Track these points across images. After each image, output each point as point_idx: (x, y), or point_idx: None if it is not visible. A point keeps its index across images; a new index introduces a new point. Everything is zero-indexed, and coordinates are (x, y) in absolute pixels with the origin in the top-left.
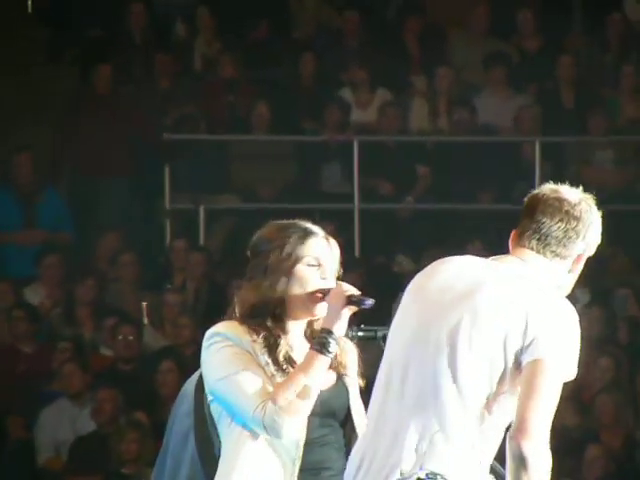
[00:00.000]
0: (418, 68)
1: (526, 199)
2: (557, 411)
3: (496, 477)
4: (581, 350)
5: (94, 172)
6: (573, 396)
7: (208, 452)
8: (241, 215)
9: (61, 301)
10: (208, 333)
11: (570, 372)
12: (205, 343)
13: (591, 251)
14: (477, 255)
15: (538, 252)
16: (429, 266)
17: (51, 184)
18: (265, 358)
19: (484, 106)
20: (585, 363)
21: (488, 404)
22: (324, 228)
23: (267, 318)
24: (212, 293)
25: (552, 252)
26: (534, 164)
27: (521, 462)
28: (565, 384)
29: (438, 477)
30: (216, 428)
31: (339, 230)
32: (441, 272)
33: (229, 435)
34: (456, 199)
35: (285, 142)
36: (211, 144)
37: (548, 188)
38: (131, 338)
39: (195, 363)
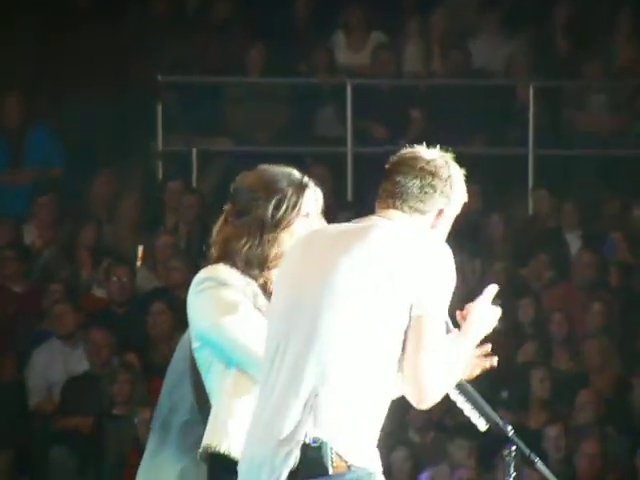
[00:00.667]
0: (412, 11)
1: (386, 165)
2: (549, 356)
3: (464, 394)
4: (573, 294)
5: (84, 109)
6: (565, 341)
7: (203, 397)
8: (234, 158)
9: (53, 241)
10: (199, 278)
11: (443, 317)
12: (196, 288)
13: (456, 207)
14: (470, 197)
15: (397, 208)
16: (302, 237)
17: (40, 122)
18: (260, 302)
19: (478, 49)
20: (577, 308)
21: (369, 363)
22: (317, 171)
23: (262, 269)
24: (204, 236)
25: (410, 207)
26: (528, 108)
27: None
28: (560, 328)
29: (323, 444)
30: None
31: (332, 173)
32: (312, 240)
33: (222, 381)
34: (449, 143)
35: (279, 85)
36: (205, 86)
37: (406, 150)
38: (125, 280)
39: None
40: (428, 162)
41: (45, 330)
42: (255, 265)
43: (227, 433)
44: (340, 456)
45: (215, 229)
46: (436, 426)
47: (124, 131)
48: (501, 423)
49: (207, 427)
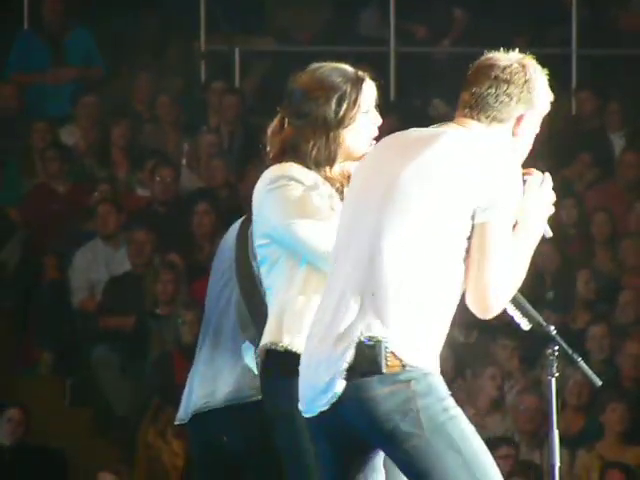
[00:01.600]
0: None
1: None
2: (590, 256)
3: (532, 322)
4: (616, 196)
5: (126, 8)
6: (606, 241)
7: (254, 298)
8: (277, 57)
9: (96, 142)
10: (273, 175)
11: (531, 233)
12: (270, 185)
13: (540, 110)
14: None
15: (474, 118)
16: (382, 141)
17: (80, 22)
18: (335, 203)
19: None
20: (621, 208)
21: (428, 267)
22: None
23: (331, 168)
24: (246, 136)
25: (487, 117)
26: (571, 8)
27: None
28: (602, 228)
29: (378, 341)
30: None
31: (375, 74)
32: (388, 144)
33: (292, 277)
34: (492, 43)
35: None
36: None
37: (483, 57)
38: (169, 180)
39: (230, 205)
40: (503, 69)
41: (88, 230)
42: (324, 165)
43: (291, 329)
44: (395, 355)
45: (270, 130)
46: (479, 325)
47: (167, 31)
48: (544, 323)
49: (270, 322)
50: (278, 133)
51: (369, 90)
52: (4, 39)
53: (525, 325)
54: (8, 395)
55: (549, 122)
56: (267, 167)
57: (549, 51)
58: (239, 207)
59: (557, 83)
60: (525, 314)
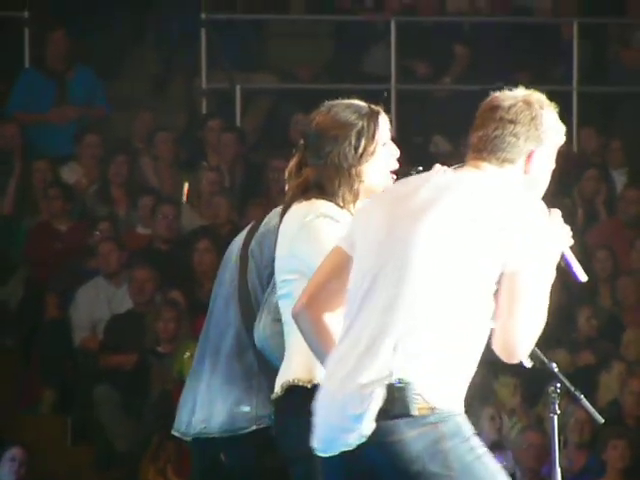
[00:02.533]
0: None
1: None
2: (595, 294)
3: (534, 360)
4: (617, 232)
5: (126, 48)
6: (607, 278)
7: (252, 321)
8: (278, 95)
9: (98, 180)
10: (307, 212)
11: (548, 276)
12: (304, 219)
13: (551, 145)
14: None
15: (485, 160)
16: (392, 185)
17: (81, 60)
18: None
19: None
20: (622, 244)
21: (457, 312)
22: None
23: (355, 203)
24: (247, 173)
25: (498, 159)
26: (572, 45)
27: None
28: (603, 267)
29: (407, 385)
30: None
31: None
32: (404, 185)
33: None
34: (493, 80)
35: (322, 22)
36: (248, 23)
37: (489, 98)
38: (170, 217)
39: (231, 242)
40: (508, 109)
41: (89, 268)
42: (350, 201)
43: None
44: (424, 398)
45: (287, 171)
46: (482, 364)
47: (168, 68)
48: (546, 360)
49: (293, 358)
50: (297, 174)
51: (384, 123)
52: (4, 77)
53: (527, 363)
54: (10, 434)
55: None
56: (287, 208)
57: (550, 88)
58: None
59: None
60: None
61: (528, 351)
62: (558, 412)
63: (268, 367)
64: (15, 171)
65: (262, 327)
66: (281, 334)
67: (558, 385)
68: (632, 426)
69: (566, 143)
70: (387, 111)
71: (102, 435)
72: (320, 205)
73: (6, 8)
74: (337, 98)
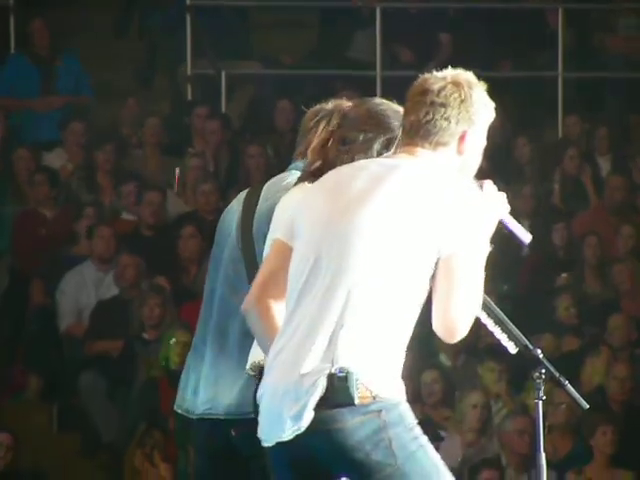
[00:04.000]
0: None
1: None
2: (579, 280)
3: (493, 318)
4: (603, 219)
5: (110, 36)
6: (595, 264)
7: None
8: (263, 81)
9: (83, 166)
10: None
11: (482, 253)
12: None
13: (482, 125)
14: (499, 121)
15: (418, 146)
16: (325, 177)
17: (67, 47)
18: None
19: None
20: (606, 231)
21: (394, 299)
22: (346, 95)
23: None
24: (232, 160)
25: (431, 143)
26: (557, 32)
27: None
28: (588, 252)
29: (349, 372)
30: None
31: (361, 97)
32: (339, 174)
33: None
34: (478, 66)
35: (307, 8)
36: (234, 10)
37: (417, 82)
38: (155, 204)
39: (216, 228)
40: (438, 93)
41: (75, 254)
42: None
43: None
44: (366, 386)
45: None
46: (466, 349)
47: (153, 54)
48: (530, 346)
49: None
50: (320, 151)
51: None
52: None
53: (512, 348)
54: None
55: (536, 145)
56: (301, 180)
57: (535, 74)
58: None
59: (544, 106)
60: (512, 337)
61: (467, 329)
62: (543, 398)
63: None
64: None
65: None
66: None
67: (543, 371)
68: (618, 412)
69: (551, 129)
70: (372, 97)
71: (88, 422)
72: None
73: None
74: (322, 84)
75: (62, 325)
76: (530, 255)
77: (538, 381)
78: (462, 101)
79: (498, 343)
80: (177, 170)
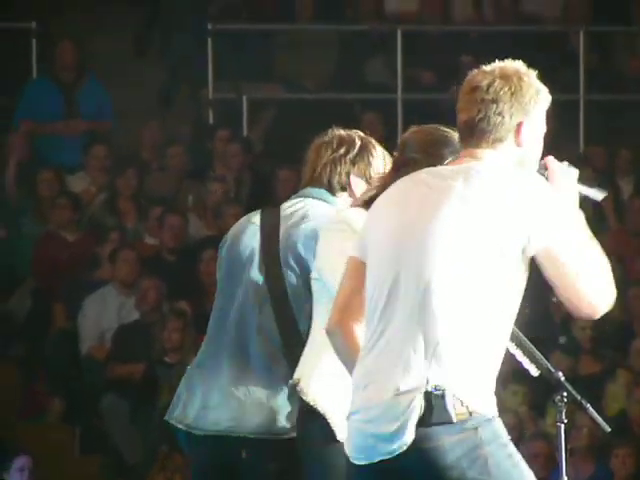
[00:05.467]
0: None
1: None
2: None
3: (515, 341)
4: (624, 242)
5: (132, 59)
6: (617, 287)
7: (289, 327)
8: (284, 105)
9: (105, 190)
10: (339, 217)
11: (579, 222)
12: (331, 225)
13: (539, 112)
14: None
15: (477, 147)
16: (390, 190)
17: (90, 71)
18: None
19: None
20: (627, 254)
21: (486, 312)
22: (368, 118)
23: None
24: (254, 183)
25: (488, 141)
26: (579, 54)
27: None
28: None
29: (445, 391)
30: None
31: (382, 120)
32: (405, 186)
33: (324, 320)
34: None
35: (328, 32)
36: (254, 33)
37: (467, 78)
38: (177, 228)
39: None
40: (487, 90)
41: (98, 278)
42: None
43: (313, 376)
44: (462, 402)
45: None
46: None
47: (175, 78)
48: (552, 369)
49: (302, 359)
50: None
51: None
52: (12, 87)
53: (534, 371)
54: (18, 443)
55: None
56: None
57: (556, 97)
58: None
59: (565, 129)
60: (533, 360)
61: (608, 299)
62: (565, 421)
63: None
64: (22, 179)
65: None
66: None
67: (565, 394)
68: (639, 435)
69: (572, 151)
70: (393, 120)
71: (110, 445)
72: (349, 216)
73: (13, 19)
74: (342, 108)
75: (84, 348)
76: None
77: (560, 404)
78: (512, 94)
79: (520, 366)
80: (190, 196)
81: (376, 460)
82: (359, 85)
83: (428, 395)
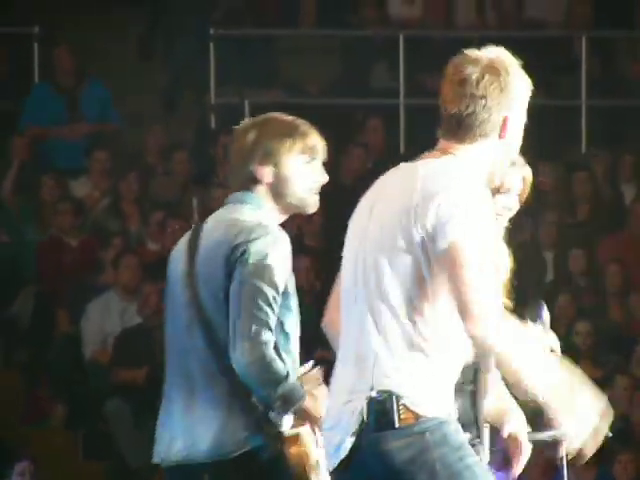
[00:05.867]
0: None
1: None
2: (603, 308)
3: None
4: (625, 247)
5: (135, 63)
6: (619, 293)
7: (215, 344)
8: (286, 109)
9: (108, 194)
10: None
11: (487, 239)
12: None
13: (523, 103)
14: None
15: (462, 142)
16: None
17: (92, 76)
18: None
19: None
20: (630, 259)
21: (419, 304)
22: (371, 123)
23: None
24: None
25: (473, 136)
26: (580, 59)
27: (485, 349)
28: (612, 282)
29: (389, 395)
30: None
31: (385, 125)
32: (382, 181)
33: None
34: None
35: (331, 37)
36: (257, 38)
37: (452, 65)
38: (180, 233)
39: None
40: (477, 85)
41: (101, 282)
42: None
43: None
44: (407, 407)
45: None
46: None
47: (177, 83)
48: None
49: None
50: None
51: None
52: (15, 90)
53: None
54: (20, 448)
55: (559, 172)
56: None
57: (559, 103)
58: None
59: (567, 134)
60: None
61: (489, 315)
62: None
63: (244, 390)
64: (25, 183)
65: (240, 354)
66: (263, 358)
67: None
68: None
69: (574, 157)
70: (396, 125)
71: (113, 450)
72: None
73: (16, 24)
74: (345, 113)
75: (87, 353)
76: (552, 281)
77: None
78: (501, 90)
79: None
80: (194, 200)
81: (334, 467)
82: (362, 90)
83: (371, 401)
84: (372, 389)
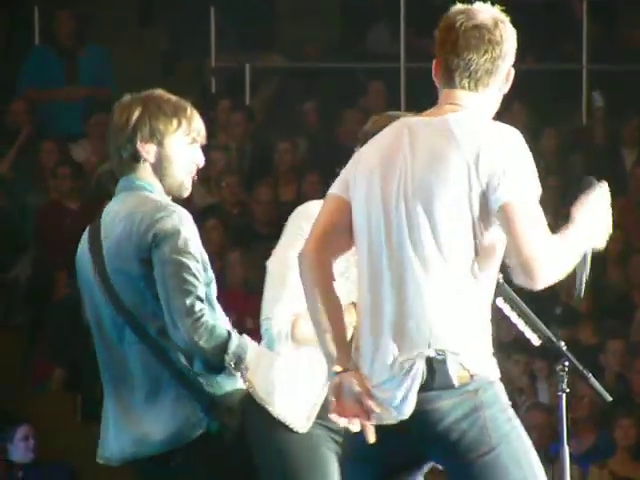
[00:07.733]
0: None
1: (441, 27)
2: (603, 272)
3: (516, 310)
4: (626, 212)
5: (134, 27)
6: (618, 257)
7: (143, 331)
8: (286, 74)
9: (107, 158)
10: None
11: (536, 191)
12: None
13: (512, 59)
14: (519, 113)
15: (471, 90)
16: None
17: (91, 39)
18: None
19: None
20: (632, 224)
21: (472, 262)
22: (371, 87)
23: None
24: (256, 153)
25: (484, 85)
26: (581, 23)
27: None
28: (611, 244)
29: (447, 353)
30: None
31: (385, 89)
32: (387, 136)
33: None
34: None
35: (332, 0)
36: (257, 2)
37: (461, 15)
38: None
39: (239, 222)
40: (493, 30)
41: None
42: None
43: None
44: (463, 366)
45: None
46: (494, 343)
47: (177, 47)
48: (554, 338)
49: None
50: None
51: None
52: (15, 53)
53: (535, 341)
54: (20, 412)
55: (560, 136)
56: None
57: (560, 67)
58: (248, 223)
59: (568, 98)
60: (535, 330)
61: (550, 272)
62: (567, 390)
63: (182, 373)
64: (24, 149)
65: (184, 332)
66: (206, 328)
67: (566, 363)
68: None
69: (575, 121)
70: (396, 89)
71: None
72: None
73: None
74: (344, 77)
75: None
76: None
77: (561, 374)
78: (507, 38)
79: (521, 335)
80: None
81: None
82: (362, 54)
83: (430, 360)
84: (430, 347)
